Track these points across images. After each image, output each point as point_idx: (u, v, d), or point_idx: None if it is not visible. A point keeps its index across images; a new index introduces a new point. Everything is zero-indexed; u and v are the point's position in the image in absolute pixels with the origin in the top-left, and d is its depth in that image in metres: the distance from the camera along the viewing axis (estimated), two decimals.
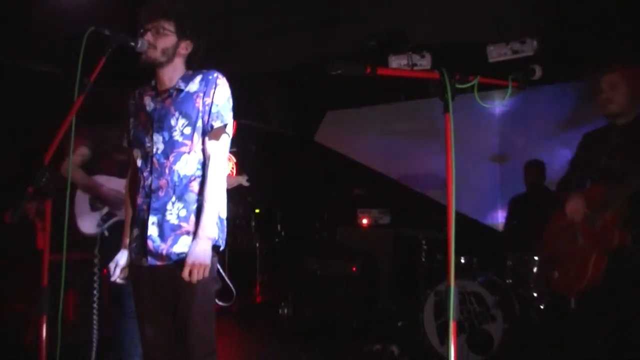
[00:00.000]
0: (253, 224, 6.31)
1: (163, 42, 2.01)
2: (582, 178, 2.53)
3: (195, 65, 2.14)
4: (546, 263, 2.65)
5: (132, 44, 1.92)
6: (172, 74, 2.08)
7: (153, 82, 2.14)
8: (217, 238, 2.03)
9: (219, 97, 2.03)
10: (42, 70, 4.70)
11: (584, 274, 2.32)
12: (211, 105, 2.01)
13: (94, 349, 2.72)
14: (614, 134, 2.41)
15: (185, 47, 2.08)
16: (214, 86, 2.03)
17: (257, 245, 6.06)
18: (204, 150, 2.03)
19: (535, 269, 3.87)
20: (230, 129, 2.06)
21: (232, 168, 5.92)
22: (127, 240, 2.15)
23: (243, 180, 3.33)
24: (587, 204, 2.39)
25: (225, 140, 2.06)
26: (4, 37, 4.08)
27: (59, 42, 3.68)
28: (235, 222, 6.24)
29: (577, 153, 2.64)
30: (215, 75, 2.06)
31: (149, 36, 1.99)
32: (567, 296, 2.51)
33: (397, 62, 4.29)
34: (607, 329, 2.34)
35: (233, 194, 2.50)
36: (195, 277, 1.89)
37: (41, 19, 3.85)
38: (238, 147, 5.89)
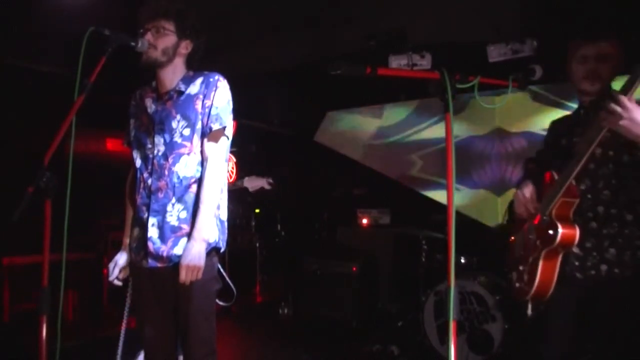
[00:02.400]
0: (253, 224, 6.31)
1: (163, 41, 2.01)
2: (543, 166, 2.15)
3: (195, 65, 2.14)
4: (507, 265, 2.25)
5: (132, 44, 1.93)
6: (173, 74, 2.08)
7: (153, 84, 2.14)
8: (217, 240, 2.04)
9: (219, 99, 2.03)
10: (42, 70, 4.70)
11: (533, 278, 1.97)
12: (211, 107, 2.01)
13: (121, 343, 2.75)
14: (580, 116, 2.10)
15: (185, 47, 2.08)
16: (214, 88, 2.03)
17: (257, 245, 6.06)
18: (202, 152, 2.03)
19: None
20: (229, 132, 2.07)
21: (232, 168, 5.92)
22: (127, 240, 2.15)
23: (265, 184, 3.34)
24: (541, 194, 2.04)
25: (224, 142, 2.06)
26: (4, 37, 4.08)
27: (59, 42, 3.68)
28: (235, 222, 6.24)
29: (544, 141, 2.31)
30: (216, 77, 2.06)
31: (149, 36, 2.00)
32: (523, 301, 2.08)
33: (397, 62, 4.29)
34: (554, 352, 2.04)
35: (233, 194, 2.50)
36: (189, 279, 1.89)
37: (41, 19, 3.85)
38: (238, 147, 5.89)
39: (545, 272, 1.95)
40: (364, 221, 5.72)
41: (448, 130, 1.47)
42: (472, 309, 3.76)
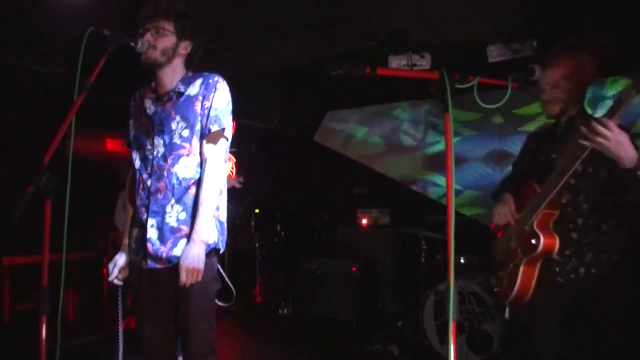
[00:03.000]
0: (253, 224, 6.31)
1: (163, 42, 2.01)
2: (520, 178, 2.30)
3: (195, 65, 2.14)
4: (489, 267, 2.39)
5: (132, 44, 1.93)
6: (172, 75, 2.07)
7: (153, 84, 2.14)
8: (216, 241, 2.04)
9: (218, 101, 2.03)
10: (42, 70, 4.70)
11: (512, 283, 2.11)
12: (210, 108, 2.01)
13: (121, 344, 2.76)
14: (556, 130, 2.22)
15: (184, 47, 2.08)
16: (213, 90, 2.03)
17: (257, 245, 6.06)
18: (201, 153, 2.03)
19: None
20: (229, 133, 2.06)
21: (232, 168, 5.92)
22: (126, 241, 2.15)
23: (235, 183, 3.41)
24: (521, 205, 2.19)
25: (223, 144, 2.05)
26: (5, 37, 4.09)
27: (59, 42, 3.68)
28: (235, 222, 6.24)
29: (521, 152, 2.45)
30: (216, 79, 2.06)
31: (148, 36, 1.99)
32: (503, 304, 2.23)
33: (397, 62, 4.29)
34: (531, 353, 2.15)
35: (233, 194, 2.51)
36: (189, 282, 1.90)
37: (41, 19, 3.85)
38: (238, 147, 5.89)
39: (524, 278, 2.09)
40: (364, 221, 5.72)
41: (448, 130, 1.47)
42: (472, 309, 3.76)
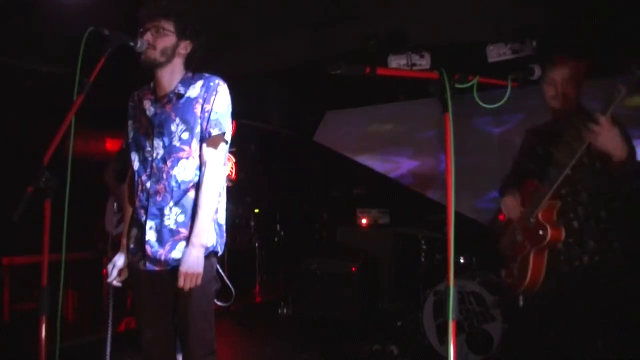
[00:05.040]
0: (253, 224, 6.30)
1: (163, 42, 2.01)
2: (521, 174, 2.45)
3: (195, 65, 2.13)
4: (496, 263, 2.56)
5: (132, 44, 1.92)
6: (171, 76, 2.07)
7: (152, 85, 2.13)
8: (215, 244, 2.04)
9: (219, 104, 2.02)
10: (42, 70, 4.70)
11: (524, 274, 2.25)
12: (211, 112, 2.00)
13: (109, 347, 2.78)
14: (554, 128, 2.34)
15: (184, 47, 2.07)
16: (214, 93, 2.02)
17: (257, 245, 6.05)
18: (201, 157, 2.02)
19: None
20: (229, 137, 2.06)
21: (232, 168, 5.92)
22: (125, 241, 2.15)
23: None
24: (523, 200, 2.34)
25: (223, 148, 2.05)
26: (4, 37, 4.09)
27: (59, 42, 3.68)
28: (234, 222, 6.24)
29: (520, 148, 2.58)
30: (217, 82, 2.05)
31: (148, 36, 1.99)
32: (515, 296, 2.41)
33: (397, 62, 4.29)
34: (548, 338, 2.29)
35: (233, 194, 2.51)
36: (188, 286, 1.90)
37: (41, 19, 3.85)
38: (238, 147, 5.89)
39: (535, 268, 2.23)
40: (364, 221, 5.72)
41: (447, 130, 1.47)
42: (472, 309, 3.76)
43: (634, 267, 2.26)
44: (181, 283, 1.89)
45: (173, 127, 2.02)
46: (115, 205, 3.52)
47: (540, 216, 2.20)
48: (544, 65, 2.36)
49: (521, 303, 2.48)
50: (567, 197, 2.22)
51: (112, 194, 3.58)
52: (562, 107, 2.29)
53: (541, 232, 2.18)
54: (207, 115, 2.01)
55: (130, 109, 2.19)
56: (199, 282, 1.92)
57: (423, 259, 4.56)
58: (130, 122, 2.17)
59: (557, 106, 2.30)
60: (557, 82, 2.27)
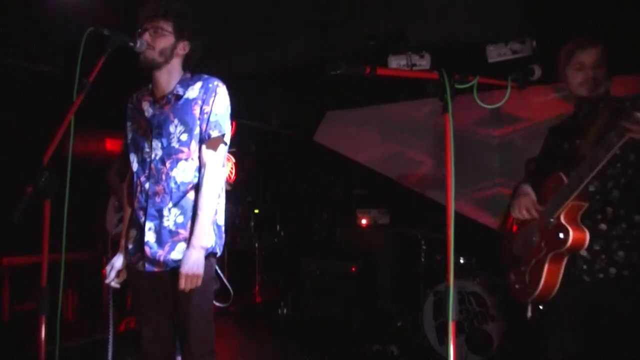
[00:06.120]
0: (252, 224, 6.30)
1: (161, 42, 2.01)
2: (544, 171, 2.18)
3: (193, 65, 2.14)
4: (504, 264, 2.26)
5: (131, 44, 1.93)
6: (169, 77, 2.07)
7: (150, 86, 2.13)
8: (214, 245, 2.04)
9: (218, 106, 2.03)
10: (42, 70, 4.70)
11: (537, 280, 1.97)
12: (210, 113, 2.01)
13: (110, 347, 2.78)
14: (579, 119, 2.12)
15: (183, 48, 2.08)
16: (213, 94, 2.03)
17: (257, 245, 6.05)
18: (200, 158, 2.02)
19: None
20: (228, 138, 2.07)
21: (232, 168, 5.92)
22: (123, 242, 2.15)
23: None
24: (544, 196, 2.05)
25: (223, 149, 2.05)
26: (4, 37, 4.09)
27: (59, 42, 3.68)
28: (234, 222, 6.23)
29: (543, 147, 2.33)
30: (216, 83, 2.05)
31: (147, 36, 1.99)
32: (523, 303, 2.10)
33: (397, 62, 4.29)
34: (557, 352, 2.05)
35: (233, 194, 2.51)
36: (188, 287, 1.90)
37: (41, 19, 3.86)
38: (238, 147, 5.88)
39: (550, 275, 1.96)
40: (364, 221, 5.71)
41: (447, 130, 1.47)
42: (472, 309, 3.76)
43: None
44: (182, 285, 1.89)
45: (171, 128, 2.02)
46: (117, 203, 3.53)
47: (562, 217, 1.92)
48: (568, 49, 2.11)
49: (529, 314, 2.11)
50: (595, 195, 1.95)
51: (113, 194, 3.59)
52: (591, 93, 2.04)
53: (561, 235, 1.90)
54: (206, 116, 2.01)
55: (129, 110, 2.19)
56: (199, 283, 1.92)
57: (423, 259, 4.56)
58: (128, 124, 2.17)
59: (585, 93, 2.05)
60: (587, 65, 2.03)
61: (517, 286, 2.13)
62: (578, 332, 2.01)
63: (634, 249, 1.92)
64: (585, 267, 1.96)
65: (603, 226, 1.96)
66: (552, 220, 1.96)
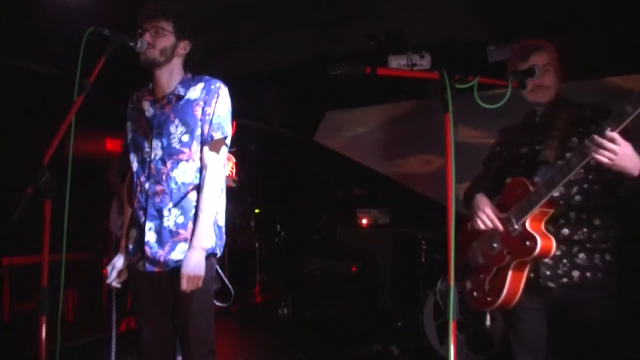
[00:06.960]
0: (253, 224, 6.30)
1: (161, 42, 2.01)
2: (496, 174, 2.16)
3: (193, 66, 2.14)
4: (460, 271, 2.12)
5: (132, 44, 1.93)
6: (170, 76, 2.07)
7: (150, 86, 2.13)
8: (214, 246, 2.04)
9: (220, 107, 2.03)
10: (42, 70, 4.70)
11: (499, 288, 1.92)
12: (212, 115, 2.01)
13: (113, 347, 2.78)
14: (533, 120, 2.08)
15: (183, 47, 2.08)
16: (216, 96, 2.03)
17: (257, 245, 6.05)
18: (201, 159, 2.03)
19: None
20: (229, 140, 2.07)
21: (232, 168, 5.92)
22: (123, 242, 2.15)
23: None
24: (504, 203, 1.99)
25: (224, 151, 2.06)
26: (4, 37, 4.09)
27: (59, 42, 3.68)
28: (235, 222, 6.24)
29: (492, 149, 2.27)
30: (218, 85, 2.05)
31: (147, 36, 2.00)
32: (481, 311, 2.06)
33: (397, 62, 4.28)
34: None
35: (233, 194, 2.51)
36: (190, 288, 1.90)
37: (41, 19, 3.86)
38: (238, 147, 5.89)
39: (513, 283, 1.92)
40: (364, 221, 5.71)
41: (447, 130, 1.47)
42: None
43: (628, 287, 1.98)
44: (183, 285, 1.89)
45: (172, 128, 2.02)
46: (118, 207, 3.55)
47: (527, 223, 1.87)
48: (511, 58, 2.07)
49: (488, 322, 2.12)
50: (559, 201, 1.92)
51: (115, 195, 3.59)
52: (542, 99, 2.02)
53: (528, 243, 1.84)
54: (208, 118, 2.01)
55: (129, 110, 2.19)
56: (200, 284, 1.93)
57: (423, 259, 4.56)
58: (128, 123, 2.18)
59: (537, 99, 2.03)
60: (540, 68, 1.96)
61: (475, 294, 2.08)
62: (547, 340, 1.98)
63: (595, 251, 1.92)
64: (548, 272, 1.93)
65: (565, 231, 1.93)
66: (516, 227, 1.90)
